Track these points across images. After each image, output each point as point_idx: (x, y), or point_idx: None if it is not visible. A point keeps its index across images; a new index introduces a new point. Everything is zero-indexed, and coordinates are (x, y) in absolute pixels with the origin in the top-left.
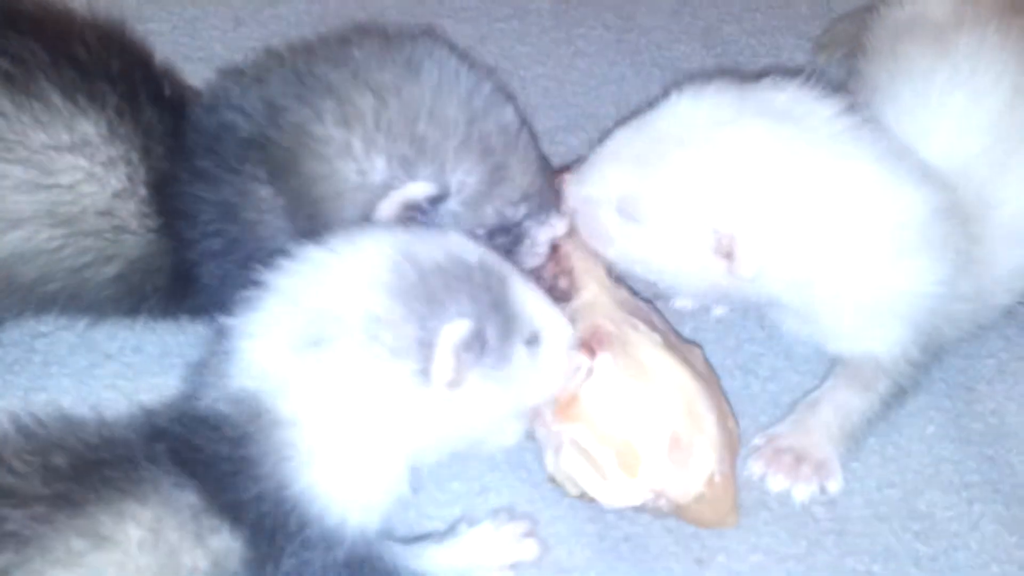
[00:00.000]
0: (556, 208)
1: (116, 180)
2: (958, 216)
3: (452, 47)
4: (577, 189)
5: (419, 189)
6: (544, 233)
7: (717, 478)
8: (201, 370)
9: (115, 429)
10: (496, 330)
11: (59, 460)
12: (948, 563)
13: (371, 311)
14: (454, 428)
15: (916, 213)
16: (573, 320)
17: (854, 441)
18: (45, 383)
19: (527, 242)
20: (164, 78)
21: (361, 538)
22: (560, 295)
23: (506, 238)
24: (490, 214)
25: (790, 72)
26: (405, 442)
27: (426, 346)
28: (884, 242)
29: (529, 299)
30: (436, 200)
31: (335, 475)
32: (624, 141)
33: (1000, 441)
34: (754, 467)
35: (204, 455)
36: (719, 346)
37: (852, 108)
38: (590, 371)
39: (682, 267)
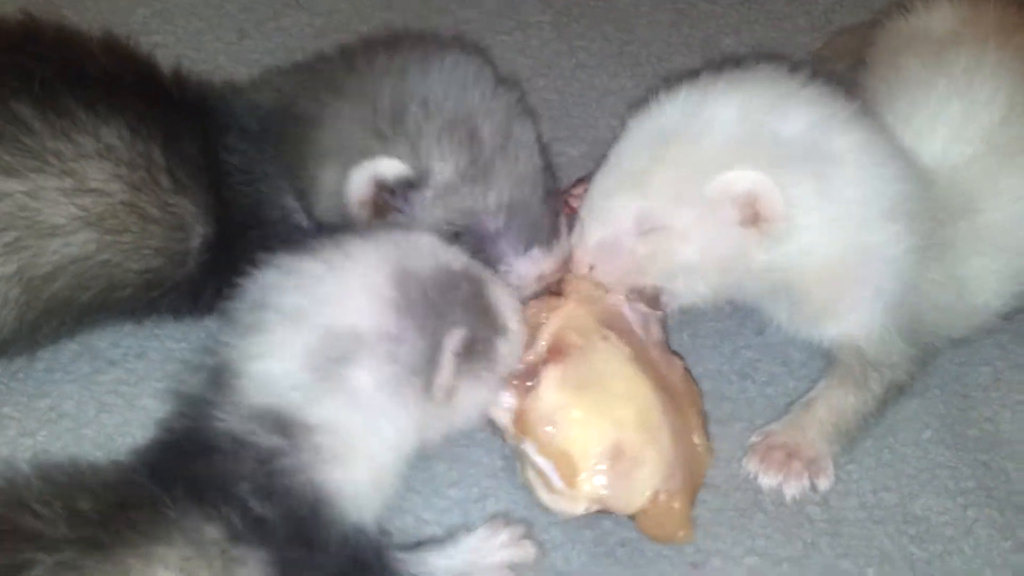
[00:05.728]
0: (546, 243)
1: (140, 176)
2: (932, 202)
3: (484, 56)
4: (590, 237)
5: (390, 166)
6: (525, 266)
7: (662, 496)
8: (189, 401)
9: (132, 472)
10: (484, 335)
11: (83, 504)
12: (943, 567)
13: (384, 328)
14: (442, 427)
15: (893, 185)
16: (540, 329)
17: (849, 440)
18: (49, 389)
19: (502, 267)
20: (174, 80)
21: (369, 540)
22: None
23: (474, 249)
24: (460, 213)
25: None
26: (407, 444)
27: (433, 359)
28: (862, 206)
29: (502, 298)
30: (410, 186)
31: (353, 477)
32: (616, 167)
33: (995, 448)
34: (749, 464)
35: (225, 480)
36: (716, 352)
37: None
38: (536, 383)
39: (716, 253)
